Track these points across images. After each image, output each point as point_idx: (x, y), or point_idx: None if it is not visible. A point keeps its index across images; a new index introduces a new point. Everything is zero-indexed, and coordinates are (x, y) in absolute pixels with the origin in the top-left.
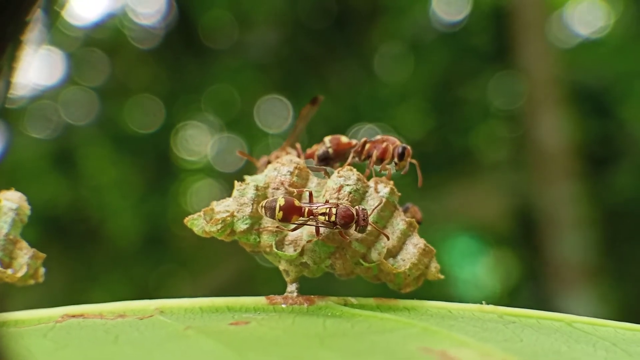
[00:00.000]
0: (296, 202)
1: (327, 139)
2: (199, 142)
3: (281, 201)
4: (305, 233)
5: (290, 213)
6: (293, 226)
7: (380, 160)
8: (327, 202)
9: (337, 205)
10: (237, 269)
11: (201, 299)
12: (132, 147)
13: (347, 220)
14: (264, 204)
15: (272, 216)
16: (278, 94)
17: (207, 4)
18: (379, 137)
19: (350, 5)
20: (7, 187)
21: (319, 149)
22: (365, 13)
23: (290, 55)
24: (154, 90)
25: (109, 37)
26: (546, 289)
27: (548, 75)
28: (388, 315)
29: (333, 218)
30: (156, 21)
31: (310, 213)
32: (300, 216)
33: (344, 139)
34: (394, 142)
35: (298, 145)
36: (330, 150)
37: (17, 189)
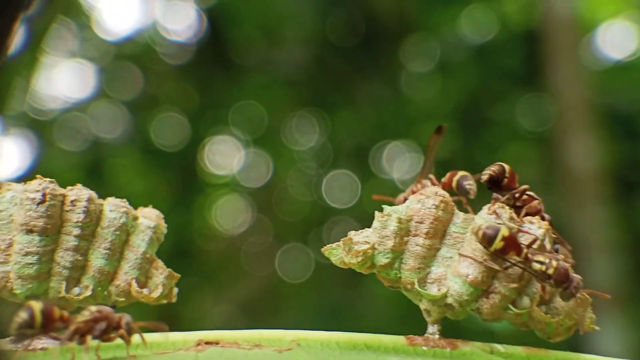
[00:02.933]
0: (518, 239)
1: (498, 167)
2: (225, 157)
3: (505, 232)
4: (450, 272)
5: (510, 248)
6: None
7: (525, 214)
8: (546, 251)
9: (557, 259)
10: (261, 283)
11: (338, 333)
12: (159, 160)
13: (562, 280)
14: (481, 227)
15: (489, 244)
16: (305, 111)
17: (238, 20)
18: (535, 200)
19: (378, 24)
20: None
21: (489, 173)
22: (394, 32)
23: (318, 73)
24: (182, 104)
25: (140, 52)
26: None
27: (579, 99)
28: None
29: (551, 271)
30: (187, 37)
31: (527, 256)
32: (517, 255)
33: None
34: (541, 209)
35: (432, 177)
36: (506, 180)
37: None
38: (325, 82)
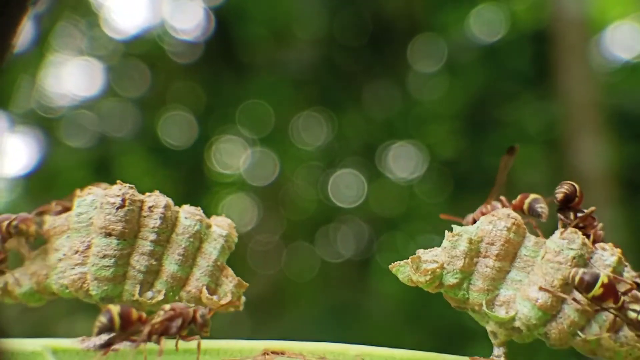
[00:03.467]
0: (616, 286)
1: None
2: (232, 155)
3: (605, 279)
4: (519, 295)
5: (609, 295)
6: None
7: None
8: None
9: None
10: (267, 282)
11: (402, 351)
12: (167, 158)
13: None
14: (578, 273)
15: (587, 290)
16: (312, 111)
17: (246, 20)
18: (598, 223)
19: (386, 24)
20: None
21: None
22: (401, 32)
23: (326, 72)
24: (190, 103)
25: (148, 50)
26: None
27: (588, 100)
28: None
29: None
30: (195, 36)
31: (624, 304)
32: (615, 302)
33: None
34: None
35: (503, 199)
36: (576, 200)
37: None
38: (333, 82)
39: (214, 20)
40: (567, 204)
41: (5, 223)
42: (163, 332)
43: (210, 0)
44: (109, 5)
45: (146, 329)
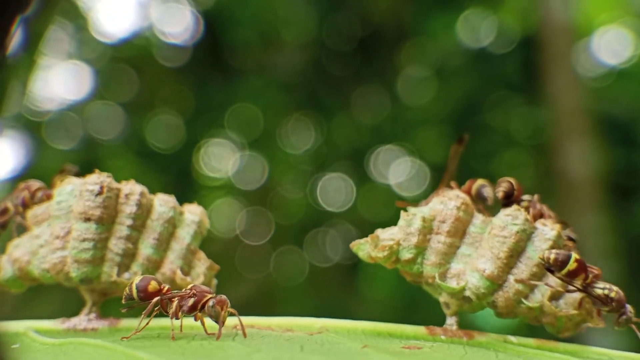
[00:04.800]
0: (586, 264)
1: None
2: (221, 159)
3: (577, 255)
4: (468, 268)
5: (580, 272)
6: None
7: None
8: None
9: (619, 289)
10: (255, 286)
11: (363, 322)
12: (155, 162)
13: (619, 306)
14: (553, 253)
15: (562, 266)
16: (301, 114)
17: (234, 23)
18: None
19: (375, 29)
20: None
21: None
22: (390, 37)
23: (315, 77)
24: (178, 107)
25: (136, 54)
26: None
27: (575, 105)
28: (556, 355)
29: (614, 294)
30: (184, 40)
31: (591, 282)
32: (584, 280)
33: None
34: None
35: (454, 184)
36: (515, 193)
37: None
38: (322, 86)
39: (203, 23)
40: (509, 199)
41: (34, 188)
42: (176, 307)
43: (199, 3)
44: (97, 8)
45: (154, 300)
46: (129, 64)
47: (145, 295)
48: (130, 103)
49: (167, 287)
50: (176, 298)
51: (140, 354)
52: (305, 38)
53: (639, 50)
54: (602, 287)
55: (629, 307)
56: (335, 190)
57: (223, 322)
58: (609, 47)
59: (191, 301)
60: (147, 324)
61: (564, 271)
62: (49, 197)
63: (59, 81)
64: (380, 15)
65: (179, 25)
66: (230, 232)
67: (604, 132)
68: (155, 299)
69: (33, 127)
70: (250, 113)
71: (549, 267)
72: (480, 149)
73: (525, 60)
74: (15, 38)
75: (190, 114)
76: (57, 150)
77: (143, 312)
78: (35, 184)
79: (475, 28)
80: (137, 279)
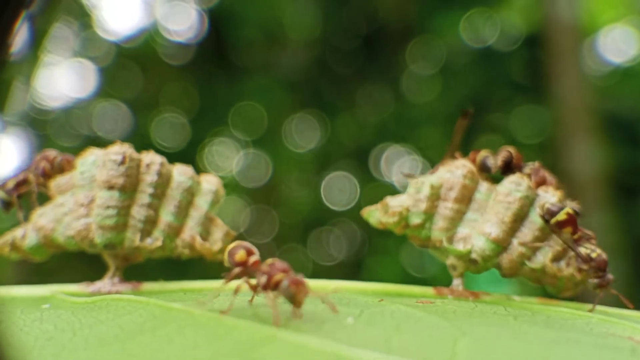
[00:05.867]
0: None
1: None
2: (225, 157)
3: (570, 210)
4: (474, 232)
5: (567, 225)
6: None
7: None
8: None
9: (603, 254)
10: None
11: (374, 283)
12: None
13: (601, 267)
14: (549, 203)
15: (552, 215)
16: (306, 113)
17: (239, 22)
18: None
19: (380, 27)
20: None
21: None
22: (395, 35)
23: (319, 75)
24: (183, 105)
25: (141, 52)
26: None
27: (581, 104)
28: (561, 309)
29: (595, 255)
30: (188, 38)
31: (579, 237)
32: (572, 233)
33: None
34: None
35: (458, 155)
36: (514, 161)
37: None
38: (326, 85)
39: (207, 22)
40: (508, 167)
41: (52, 156)
42: (252, 279)
43: (203, 2)
44: (102, 6)
45: (234, 271)
46: (133, 61)
47: (233, 262)
48: (134, 101)
49: (254, 259)
50: (259, 271)
51: (176, 305)
52: (310, 36)
53: None
54: (587, 247)
55: (609, 275)
56: (339, 189)
57: (299, 304)
58: (615, 45)
59: (264, 278)
60: (222, 290)
61: (554, 220)
62: (69, 162)
63: (64, 79)
64: (385, 13)
65: (183, 23)
66: (235, 229)
67: (609, 131)
68: (236, 270)
69: (38, 124)
70: (255, 111)
71: (542, 215)
72: (486, 147)
73: (531, 58)
74: (20, 35)
75: (195, 112)
76: (62, 147)
77: (224, 279)
78: (52, 152)
79: (480, 26)
80: (231, 245)
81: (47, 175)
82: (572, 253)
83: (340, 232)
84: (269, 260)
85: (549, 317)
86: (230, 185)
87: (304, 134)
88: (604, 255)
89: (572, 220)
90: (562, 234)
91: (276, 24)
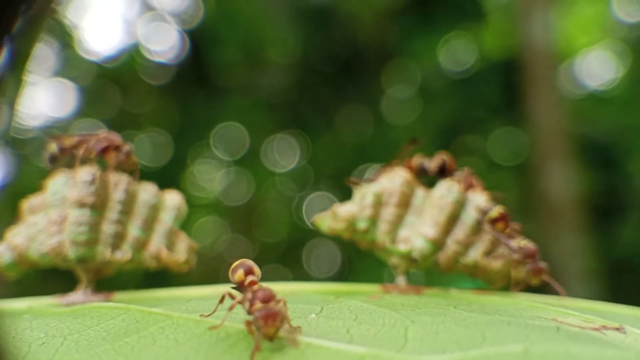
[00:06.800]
0: (509, 217)
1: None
2: (206, 177)
3: (501, 209)
4: (413, 234)
5: (500, 221)
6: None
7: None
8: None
9: (531, 243)
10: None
11: (327, 284)
12: (139, 179)
13: (529, 255)
14: (480, 204)
15: (482, 217)
16: (286, 134)
17: (220, 43)
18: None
19: (359, 50)
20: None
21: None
22: (375, 58)
23: (300, 97)
24: (163, 125)
25: (122, 71)
26: None
27: (556, 127)
28: (493, 298)
29: (523, 244)
30: (169, 58)
31: (510, 232)
32: (503, 229)
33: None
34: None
35: (396, 165)
36: (447, 166)
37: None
38: (307, 106)
39: (189, 42)
40: (443, 172)
41: (119, 143)
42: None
43: (184, 22)
44: (83, 26)
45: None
46: (114, 81)
47: (233, 281)
48: (114, 120)
49: (250, 279)
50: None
51: (155, 309)
52: (290, 58)
53: (620, 73)
54: (517, 240)
55: (540, 263)
56: (320, 209)
57: (269, 338)
58: (591, 69)
59: (247, 305)
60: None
61: (487, 217)
62: (128, 158)
63: (44, 98)
64: (364, 36)
65: (164, 44)
66: (214, 250)
67: (585, 154)
68: (226, 291)
69: (17, 144)
70: (236, 132)
71: (478, 214)
72: (463, 167)
73: (507, 82)
74: (1, 57)
75: (175, 132)
76: (40, 167)
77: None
78: (116, 137)
79: (457, 50)
80: (234, 263)
81: (103, 154)
82: (500, 249)
83: (321, 253)
84: (256, 287)
85: (484, 304)
86: (211, 205)
87: (284, 155)
88: (532, 245)
89: (503, 217)
90: (495, 230)
91: (257, 45)
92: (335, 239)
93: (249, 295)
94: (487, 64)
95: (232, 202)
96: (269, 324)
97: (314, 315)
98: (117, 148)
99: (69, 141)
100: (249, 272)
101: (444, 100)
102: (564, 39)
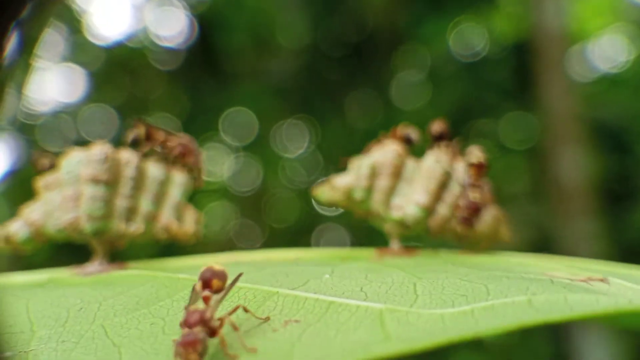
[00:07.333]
0: (485, 170)
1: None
2: (215, 163)
3: (482, 160)
4: (406, 201)
5: (476, 169)
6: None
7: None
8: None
9: (480, 204)
10: None
11: (328, 250)
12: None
13: (471, 209)
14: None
15: (467, 162)
16: (295, 119)
17: (229, 28)
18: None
19: (369, 35)
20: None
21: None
22: (385, 42)
23: (309, 82)
24: (172, 110)
25: (131, 56)
26: (561, 325)
27: (568, 111)
28: (482, 258)
29: (473, 197)
30: (178, 43)
31: (474, 185)
32: (474, 178)
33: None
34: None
35: (385, 138)
36: (444, 133)
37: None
38: (316, 91)
39: (197, 27)
40: (439, 138)
41: (197, 152)
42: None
43: (193, 7)
44: (92, 11)
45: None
46: (123, 66)
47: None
48: (123, 106)
49: (205, 294)
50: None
51: (181, 275)
52: (300, 43)
53: (632, 56)
54: (475, 194)
55: (473, 218)
56: None
57: None
58: (603, 53)
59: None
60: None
61: (467, 160)
62: (199, 162)
63: (53, 84)
64: (374, 21)
65: (173, 29)
66: (224, 235)
67: (597, 138)
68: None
69: (26, 129)
70: (245, 117)
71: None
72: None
73: (519, 65)
74: (11, 42)
75: (185, 117)
76: (49, 152)
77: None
78: (193, 144)
79: (468, 34)
80: (202, 269)
81: (181, 157)
82: (484, 213)
83: (330, 237)
84: (197, 307)
85: (477, 263)
86: (220, 191)
87: (293, 140)
88: (480, 202)
89: (480, 166)
90: (467, 173)
91: (266, 30)
92: (345, 224)
93: (188, 314)
94: (498, 48)
95: (242, 187)
96: (188, 351)
97: (327, 276)
98: (193, 153)
99: (158, 135)
100: (206, 284)
101: (454, 85)
102: (576, 22)
